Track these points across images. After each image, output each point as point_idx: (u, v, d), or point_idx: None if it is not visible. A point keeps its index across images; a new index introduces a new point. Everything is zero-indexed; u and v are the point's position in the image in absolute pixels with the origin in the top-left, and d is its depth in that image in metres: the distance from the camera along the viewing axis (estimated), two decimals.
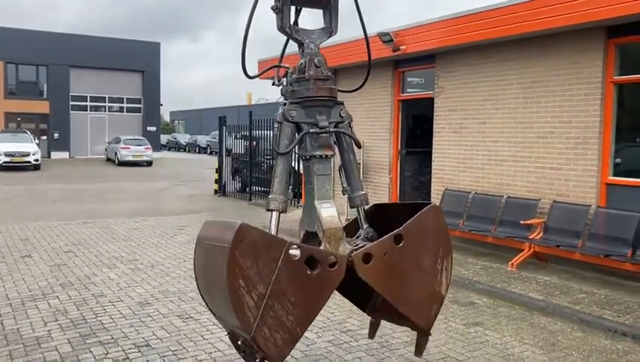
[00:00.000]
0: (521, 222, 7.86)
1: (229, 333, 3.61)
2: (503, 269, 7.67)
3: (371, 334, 4.28)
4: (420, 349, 3.90)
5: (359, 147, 4.03)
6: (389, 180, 11.12)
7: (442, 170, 9.87)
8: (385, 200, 11.19)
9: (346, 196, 4.10)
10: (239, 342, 3.47)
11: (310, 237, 3.96)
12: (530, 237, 7.77)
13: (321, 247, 3.61)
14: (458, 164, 9.55)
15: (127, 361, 4.56)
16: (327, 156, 3.89)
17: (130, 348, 4.83)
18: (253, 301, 3.26)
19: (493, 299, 6.54)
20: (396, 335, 5.27)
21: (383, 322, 5.10)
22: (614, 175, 7.49)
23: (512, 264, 7.70)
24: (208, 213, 13.16)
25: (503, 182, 8.73)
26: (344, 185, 4.05)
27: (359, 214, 4.06)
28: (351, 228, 4.06)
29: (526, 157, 8.39)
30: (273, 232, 3.67)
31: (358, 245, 3.73)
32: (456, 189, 9.45)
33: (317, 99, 3.90)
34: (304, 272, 3.31)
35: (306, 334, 5.17)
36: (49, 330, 5.23)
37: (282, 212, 3.77)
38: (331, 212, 3.74)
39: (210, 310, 3.75)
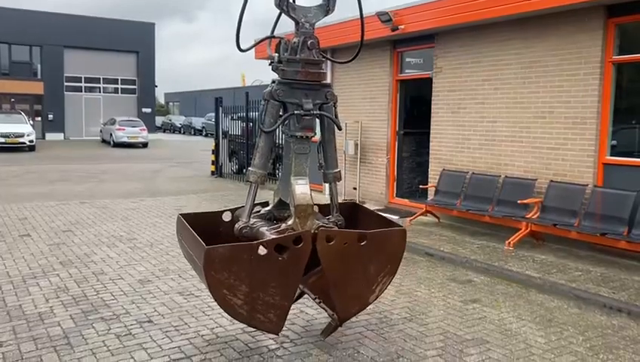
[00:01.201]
0: (519, 201, 7.92)
1: None
2: (499, 248, 7.75)
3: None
4: (326, 333, 4.42)
5: (340, 129, 4.40)
6: (387, 161, 11.14)
7: (440, 151, 9.89)
8: (382, 181, 11.23)
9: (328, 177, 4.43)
10: None
11: (282, 205, 4.35)
12: (527, 217, 7.83)
13: (290, 222, 4.02)
14: (456, 145, 9.57)
15: (130, 336, 4.60)
16: (307, 137, 4.19)
17: (132, 324, 4.88)
18: (240, 300, 3.71)
19: (490, 277, 6.61)
20: (395, 311, 5.34)
21: (382, 299, 5.28)
22: (611, 155, 7.54)
23: (509, 243, 7.77)
24: (206, 194, 13.17)
25: (501, 162, 8.77)
26: (320, 162, 4.40)
27: (330, 188, 4.47)
28: (323, 211, 4.52)
29: (524, 137, 8.41)
30: (248, 205, 4.12)
31: (325, 224, 4.14)
32: (454, 169, 9.48)
33: (305, 83, 4.12)
34: (276, 259, 3.71)
35: (306, 311, 5.26)
36: (51, 307, 5.26)
37: (261, 184, 4.15)
38: (304, 189, 4.10)
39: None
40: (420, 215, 9.52)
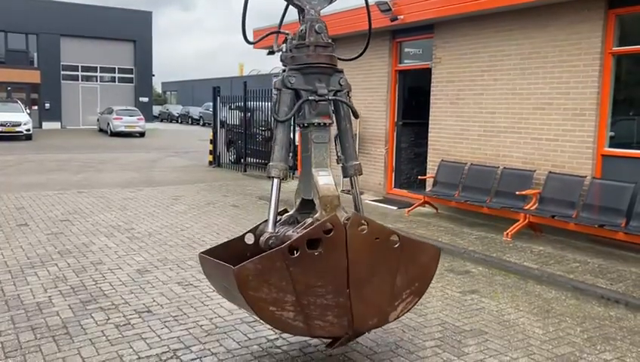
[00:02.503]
0: (517, 192, 7.92)
1: None
2: (498, 239, 7.76)
3: None
4: (334, 344, 3.80)
5: (356, 117, 4.08)
6: (385, 152, 11.13)
7: (438, 142, 9.88)
8: (381, 172, 11.22)
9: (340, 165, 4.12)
10: None
11: (306, 204, 4.02)
12: (526, 208, 7.84)
13: (317, 215, 3.67)
14: (454, 136, 9.55)
15: (129, 326, 4.60)
16: (325, 124, 3.91)
17: (131, 314, 4.88)
18: (291, 312, 3.36)
19: (488, 268, 6.63)
20: None
21: None
22: (610, 146, 7.53)
23: (507, 234, 7.78)
24: (204, 184, 13.15)
25: (499, 153, 8.76)
26: (339, 154, 4.07)
27: (352, 183, 4.11)
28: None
29: (522, 128, 8.40)
30: (274, 200, 3.74)
31: (356, 214, 3.76)
32: (453, 160, 9.48)
33: (317, 66, 3.89)
34: (312, 256, 3.36)
35: None
36: (49, 296, 5.26)
37: (283, 179, 3.81)
38: (328, 180, 3.79)
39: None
40: (418, 205, 9.52)
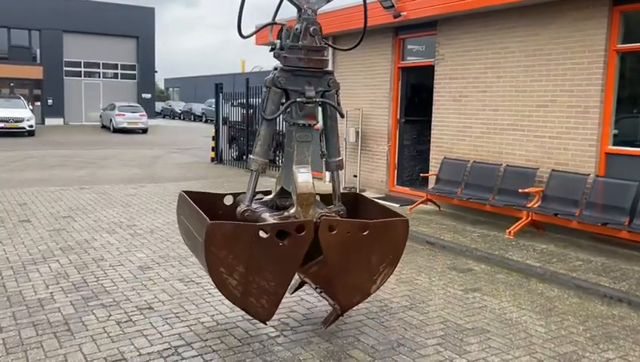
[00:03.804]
0: (520, 190, 7.89)
1: None
2: (500, 237, 7.74)
3: (291, 291, 4.72)
4: (327, 323, 4.36)
5: (342, 117, 4.33)
6: (388, 149, 11.10)
7: (441, 139, 9.85)
8: (383, 169, 11.20)
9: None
10: None
11: (284, 193, 4.32)
12: (528, 206, 7.81)
13: (292, 211, 4.01)
14: (457, 133, 9.53)
15: (130, 323, 4.60)
16: (309, 125, 4.14)
17: (132, 311, 4.87)
18: (235, 280, 3.71)
19: (490, 266, 6.61)
20: (396, 300, 5.34)
21: (382, 288, 5.22)
22: (614, 144, 7.50)
23: (510, 232, 7.75)
24: (206, 181, 13.14)
25: (502, 151, 8.73)
26: (323, 150, 4.35)
27: (332, 177, 4.44)
28: (325, 200, 4.43)
29: (526, 125, 8.37)
30: (250, 191, 4.11)
31: (327, 213, 4.10)
32: (455, 158, 9.45)
33: (307, 70, 4.06)
34: (276, 245, 3.70)
35: (307, 299, 5.25)
36: (51, 293, 5.26)
37: (262, 172, 4.15)
38: (306, 177, 4.07)
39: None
40: (420, 203, 9.50)
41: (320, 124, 4.33)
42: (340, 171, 4.43)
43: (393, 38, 10.79)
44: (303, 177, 4.04)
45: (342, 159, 4.42)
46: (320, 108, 4.25)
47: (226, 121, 17.17)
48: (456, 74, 9.48)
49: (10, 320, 4.57)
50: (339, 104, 4.27)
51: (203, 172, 14.96)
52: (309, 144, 4.16)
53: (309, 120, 4.09)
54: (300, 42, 4.01)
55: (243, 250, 3.64)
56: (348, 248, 3.96)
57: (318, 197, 4.21)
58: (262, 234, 3.71)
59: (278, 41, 4.14)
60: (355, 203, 4.80)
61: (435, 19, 9.68)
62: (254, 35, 4.46)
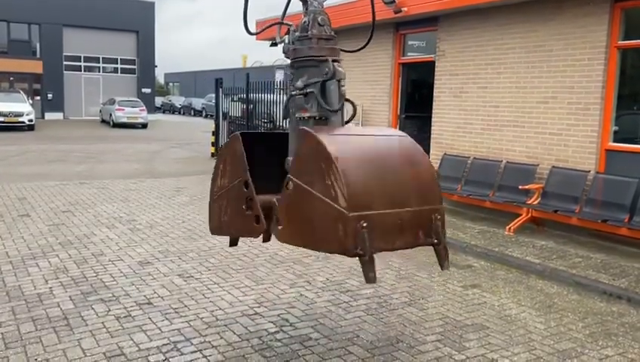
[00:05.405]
0: (520, 187, 7.88)
1: None
2: (500, 233, 7.74)
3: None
4: (366, 274, 3.33)
5: (331, 110, 3.96)
6: None
7: (441, 135, 9.84)
8: None
9: None
10: None
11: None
12: (528, 202, 7.81)
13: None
14: (457, 129, 9.51)
15: (130, 318, 4.60)
16: (303, 118, 3.84)
17: (131, 306, 4.87)
18: (219, 183, 4.10)
19: (490, 263, 6.61)
20: (395, 296, 5.34)
21: (381, 282, 5.18)
22: (614, 141, 7.49)
23: (510, 228, 7.75)
24: (206, 175, 13.11)
25: (502, 147, 8.72)
26: None
27: None
28: None
29: (526, 122, 8.35)
30: None
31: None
32: (455, 154, 9.44)
33: (302, 59, 3.86)
34: (243, 209, 3.79)
35: (306, 294, 5.26)
36: (50, 288, 5.25)
37: None
38: None
39: None
40: None
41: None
42: None
43: (394, 33, 10.76)
44: None
45: None
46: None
47: (226, 116, 17.15)
48: (457, 70, 9.45)
49: (10, 315, 4.57)
50: (342, 95, 3.85)
51: (203, 167, 14.94)
52: None
53: (302, 112, 3.87)
54: (309, 32, 3.84)
55: (231, 176, 3.96)
56: (294, 214, 3.55)
57: None
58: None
59: (287, 36, 4.05)
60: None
61: (436, 15, 9.65)
62: (257, 30, 4.40)
